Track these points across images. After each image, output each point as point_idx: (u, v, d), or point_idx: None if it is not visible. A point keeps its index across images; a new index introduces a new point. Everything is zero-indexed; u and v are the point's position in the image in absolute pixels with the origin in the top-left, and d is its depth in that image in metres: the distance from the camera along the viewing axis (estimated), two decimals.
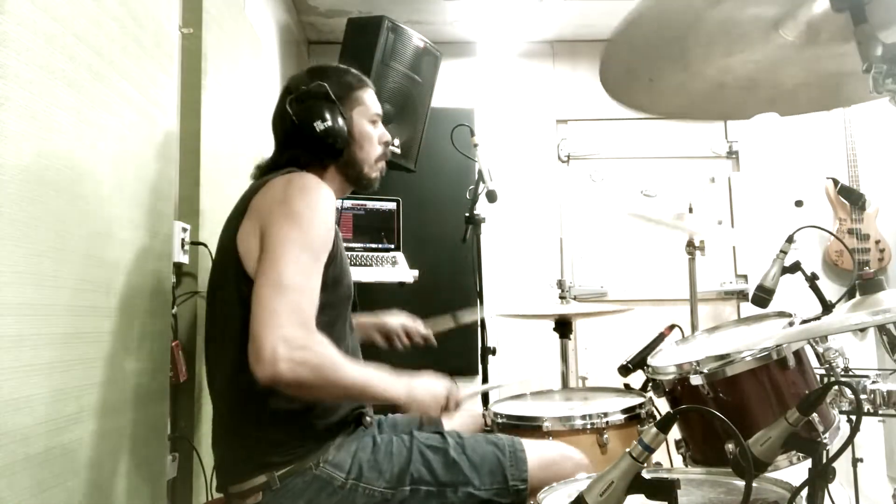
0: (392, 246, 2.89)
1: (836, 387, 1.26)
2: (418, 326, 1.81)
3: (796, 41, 0.96)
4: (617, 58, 1.00)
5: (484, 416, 1.66)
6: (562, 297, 2.10)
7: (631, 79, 1.07)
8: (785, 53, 0.99)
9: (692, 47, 0.98)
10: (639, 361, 1.58)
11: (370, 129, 1.53)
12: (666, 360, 1.49)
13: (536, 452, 1.38)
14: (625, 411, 1.56)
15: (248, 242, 1.30)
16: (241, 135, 2.19)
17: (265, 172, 1.47)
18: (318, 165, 1.47)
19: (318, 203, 1.32)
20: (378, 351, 1.71)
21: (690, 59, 1.02)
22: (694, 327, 2.32)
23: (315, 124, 1.41)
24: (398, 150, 2.82)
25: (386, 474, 1.30)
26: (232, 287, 1.32)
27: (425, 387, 1.34)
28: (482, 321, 2.17)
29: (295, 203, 1.30)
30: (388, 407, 1.37)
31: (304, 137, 1.42)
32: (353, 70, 1.57)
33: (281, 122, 1.48)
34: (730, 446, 1.14)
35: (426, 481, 1.31)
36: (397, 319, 1.80)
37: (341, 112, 1.45)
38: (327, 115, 1.42)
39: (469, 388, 1.45)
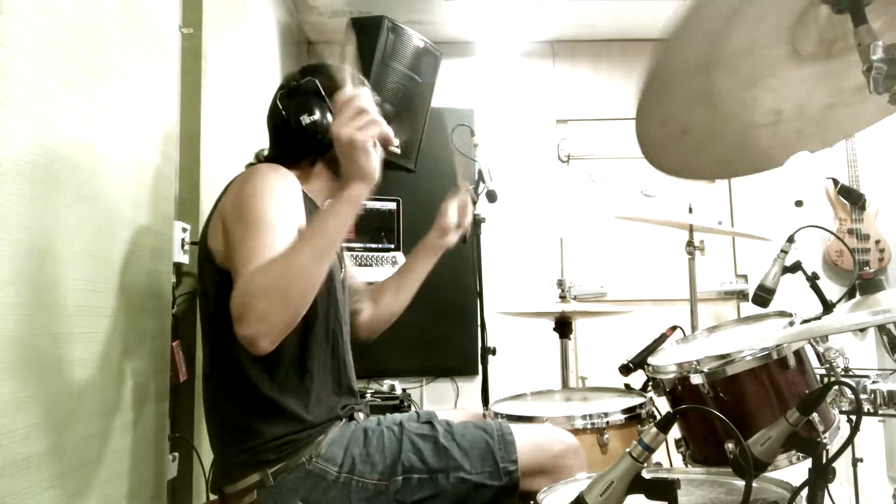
0: (392, 246, 2.89)
1: (836, 387, 1.26)
2: (461, 198, 1.76)
3: (813, 56, 0.95)
4: (650, 107, 0.96)
5: (484, 415, 1.67)
6: (562, 297, 2.10)
7: (665, 135, 1.02)
8: (806, 74, 0.98)
9: (717, 80, 0.97)
10: (640, 361, 1.58)
11: None
12: (666, 360, 1.49)
13: (525, 435, 1.38)
14: (625, 411, 1.56)
15: (217, 239, 1.32)
16: (241, 135, 2.18)
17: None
18: (307, 161, 1.47)
19: (263, 183, 1.29)
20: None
21: (717, 97, 0.99)
22: (694, 327, 2.32)
23: (301, 118, 1.40)
24: (398, 150, 2.82)
25: (378, 466, 1.30)
26: (208, 282, 1.35)
27: (356, 168, 1.21)
28: (482, 321, 2.17)
29: (243, 194, 1.28)
30: (388, 407, 1.36)
31: (292, 132, 1.42)
32: (348, 67, 1.56)
33: (272, 118, 1.49)
34: (730, 446, 1.14)
35: (417, 469, 1.30)
36: (449, 215, 1.73)
37: (330, 107, 1.42)
38: (315, 110, 1.41)
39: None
